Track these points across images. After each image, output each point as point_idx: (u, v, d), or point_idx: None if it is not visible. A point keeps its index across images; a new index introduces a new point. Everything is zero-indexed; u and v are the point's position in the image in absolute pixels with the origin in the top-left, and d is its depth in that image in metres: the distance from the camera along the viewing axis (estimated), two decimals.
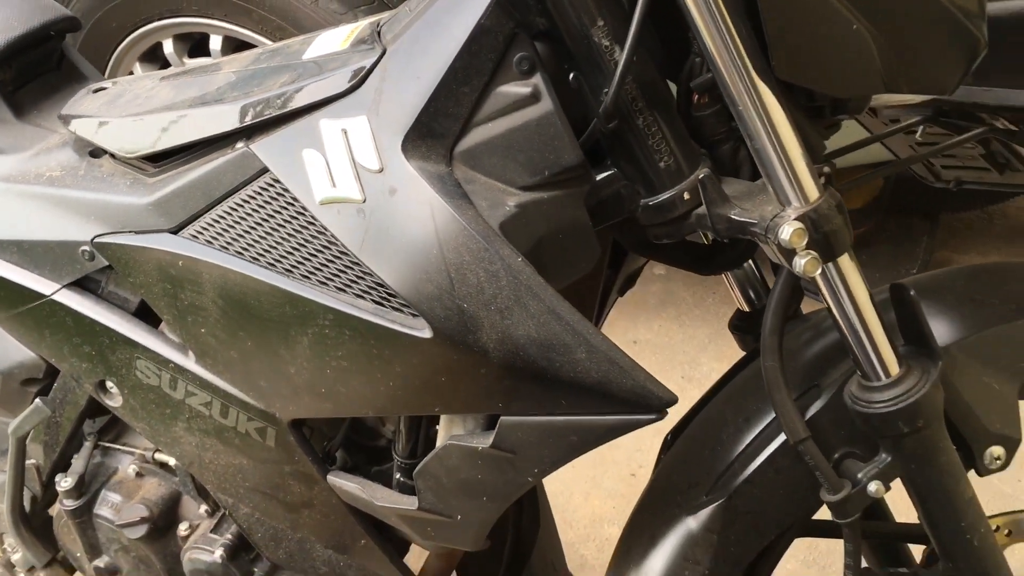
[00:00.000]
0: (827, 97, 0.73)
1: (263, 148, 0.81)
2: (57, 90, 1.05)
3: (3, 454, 1.22)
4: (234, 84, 0.86)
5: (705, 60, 0.69)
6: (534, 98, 0.72)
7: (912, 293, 0.76)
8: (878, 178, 1.82)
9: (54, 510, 1.18)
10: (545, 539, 1.28)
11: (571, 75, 0.73)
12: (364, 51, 0.78)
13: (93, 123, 0.93)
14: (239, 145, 0.83)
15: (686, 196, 0.75)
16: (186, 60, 1.80)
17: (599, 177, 0.77)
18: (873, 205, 2.00)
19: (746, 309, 1.00)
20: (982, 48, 0.73)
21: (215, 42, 1.74)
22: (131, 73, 1.88)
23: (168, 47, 1.79)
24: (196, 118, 0.86)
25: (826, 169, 0.74)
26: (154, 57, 1.86)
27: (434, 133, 0.74)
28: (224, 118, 0.84)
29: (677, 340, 2.07)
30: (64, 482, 1.07)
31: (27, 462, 1.11)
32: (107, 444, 1.12)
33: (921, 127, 0.91)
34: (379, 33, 0.81)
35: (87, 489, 1.09)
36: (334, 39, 0.84)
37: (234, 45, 1.75)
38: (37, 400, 1.04)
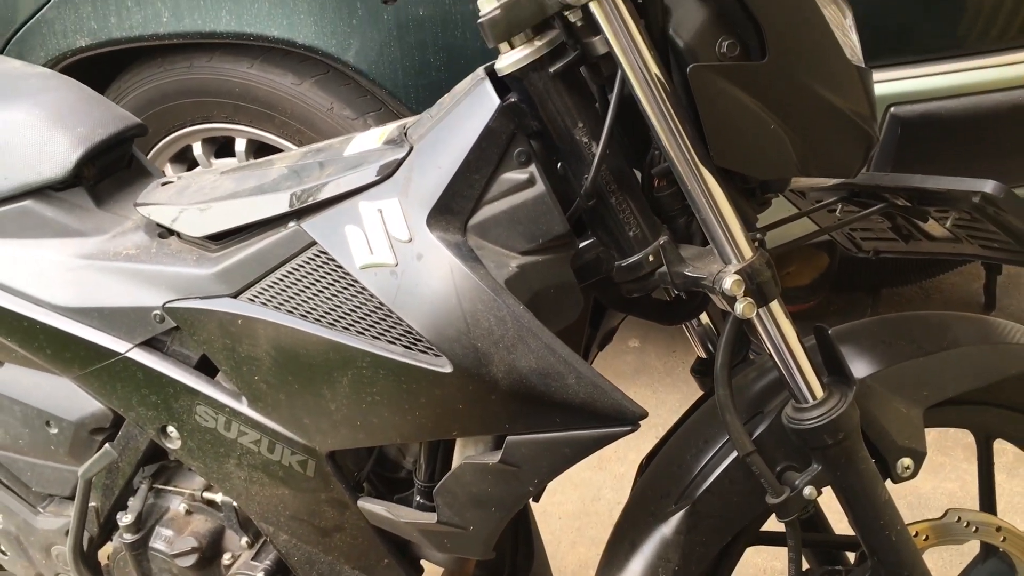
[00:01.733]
0: (756, 180, 0.91)
1: (311, 226, 0.98)
2: (129, 184, 1.22)
3: (61, 501, 1.35)
4: (286, 176, 1.04)
5: (661, 152, 0.87)
6: (530, 183, 0.90)
7: (830, 332, 0.93)
8: (818, 257, 2.02)
9: (106, 550, 1.31)
10: (539, 573, 1.41)
11: (558, 164, 0.91)
12: (395, 148, 0.96)
13: (164, 209, 1.10)
14: (291, 224, 1.00)
15: (651, 258, 0.92)
16: (213, 161, 1.98)
17: (582, 244, 0.94)
18: (820, 281, 2.19)
19: (703, 356, 1.17)
20: (875, 142, 0.92)
21: (240, 144, 1.92)
22: (163, 173, 2.06)
23: (197, 149, 1.98)
24: (254, 204, 1.03)
25: (759, 236, 0.92)
26: (183, 158, 2.05)
27: (452, 211, 0.91)
28: (278, 203, 1.01)
29: (651, 405, 2.21)
30: (124, 519, 1.20)
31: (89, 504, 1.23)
32: (160, 487, 1.25)
33: (839, 205, 1.10)
34: (406, 134, 0.99)
35: (143, 526, 1.22)
36: (369, 139, 1.02)
37: (256, 147, 1.94)
38: (106, 446, 1.17)
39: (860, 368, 0.99)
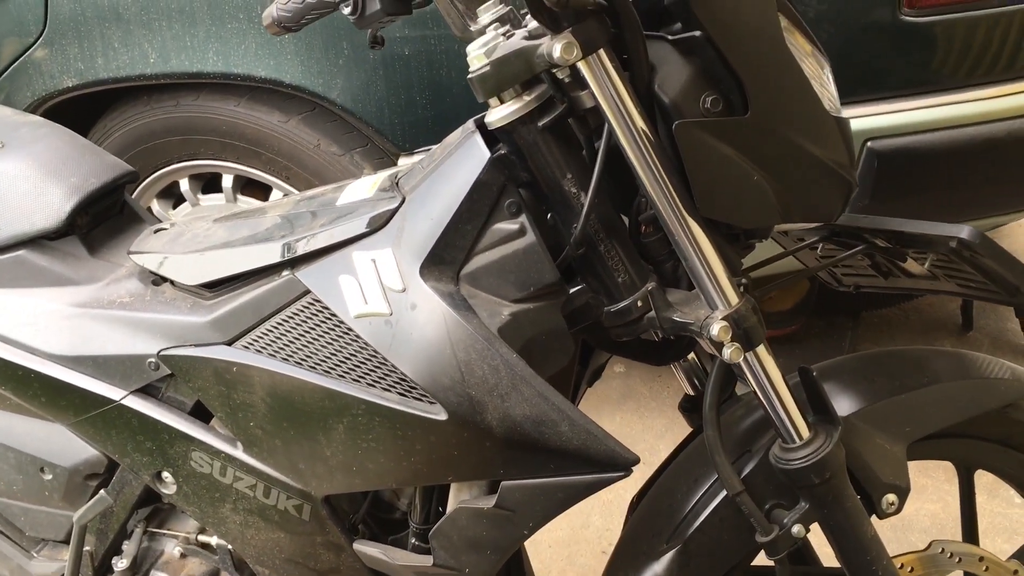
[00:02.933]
0: (740, 227, 0.94)
1: (306, 275, 1.00)
2: (122, 231, 1.23)
3: (55, 545, 1.35)
4: (279, 225, 1.05)
5: (648, 201, 0.90)
6: (521, 233, 0.92)
7: (814, 373, 0.95)
8: (799, 282, 2.06)
9: None
10: None
11: (548, 215, 0.93)
12: (387, 198, 0.98)
13: (158, 258, 1.11)
14: (285, 273, 1.01)
15: (639, 304, 0.94)
16: (200, 196, 1.99)
17: (572, 290, 0.96)
18: (801, 306, 2.23)
19: (691, 393, 1.19)
20: (854, 188, 0.95)
21: (227, 180, 1.94)
22: (149, 208, 2.07)
23: (184, 185, 1.99)
24: (248, 253, 1.04)
25: (743, 280, 0.94)
26: (170, 194, 2.05)
27: (445, 261, 0.93)
28: (272, 253, 1.02)
29: (637, 430, 2.25)
30: (120, 563, 1.20)
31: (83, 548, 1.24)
32: (154, 530, 1.26)
33: (820, 244, 1.12)
34: (398, 183, 1.01)
35: (138, 569, 1.22)
36: (361, 188, 1.03)
37: (243, 183, 1.95)
38: (101, 491, 1.18)
39: (844, 405, 1.02)
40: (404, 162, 1.73)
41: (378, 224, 0.97)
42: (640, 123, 0.85)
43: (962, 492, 1.17)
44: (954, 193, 1.53)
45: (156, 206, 2.06)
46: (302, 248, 1.00)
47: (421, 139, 1.69)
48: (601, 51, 0.82)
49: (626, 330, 0.97)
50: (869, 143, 1.47)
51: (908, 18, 1.39)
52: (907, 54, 1.43)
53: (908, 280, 1.13)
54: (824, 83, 0.91)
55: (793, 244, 1.20)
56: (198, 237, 1.11)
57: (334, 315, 0.97)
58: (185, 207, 2.02)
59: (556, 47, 0.79)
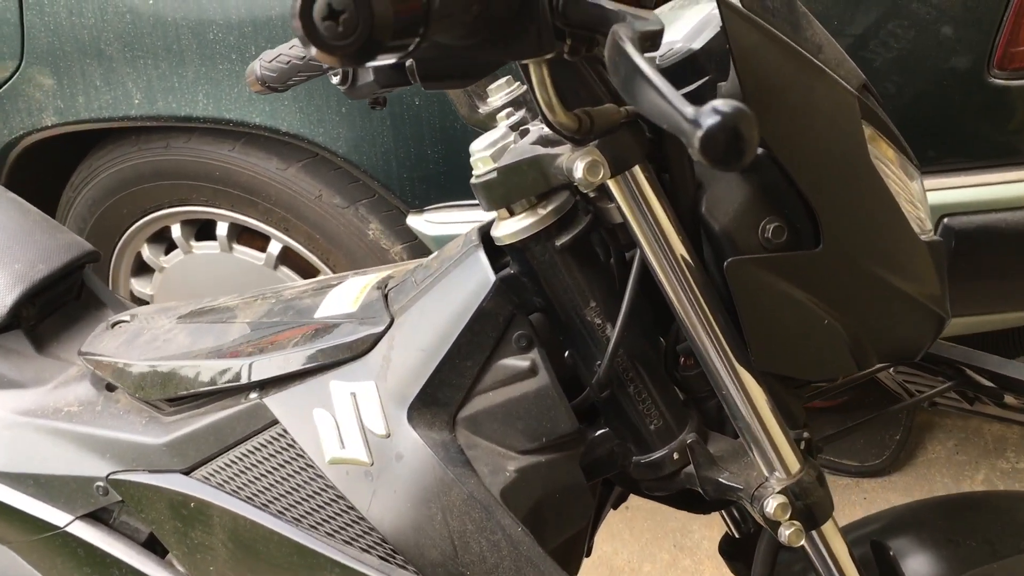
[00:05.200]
0: None
1: (275, 402, 0.85)
2: (77, 320, 1.10)
3: None
4: (248, 338, 0.91)
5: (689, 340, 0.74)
6: (532, 372, 0.77)
7: (892, 553, 0.79)
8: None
9: None
10: None
11: (566, 353, 0.78)
12: (373, 319, 0.83)
13: (112, 364, 0.98)
14: (252, 396, 0.87)
15: (675, 456, 0.79)
16: (193, 243, 1.86)
17: (592, 435, 0.81)
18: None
19: (735, 535, 1.03)
20: (946, 323, 0.78)
21: (221, 228, 1.80)
22: (138, 253, 1.95)
23: (176, 231, 1.86)
24: (211, 368, 0.90)
25: (805, 435, 0.78)
26: (161, 238, 1.93)
27: (438, 402, 0.78)
28: (238, 372, 0.88)
29: (668, 508, 2.08)
30: None
31: None
32: None
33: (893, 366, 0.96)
34: (387, 296, 0.86)
35: None
36: (344, 298, 0.89)
37: (240, 230, 1.82)
38: None
39: (922, 574, 0.85)
40: (413, 221, 1.58)
41: (360, 350, 0.82)
42: (681, 251, 0.70)
43: None
44: None
45: (147, 251, 1.93)
46: (272, 369, 0.86)
47: (432, 196, 1.54)
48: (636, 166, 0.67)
49: (659, 485, 0.82)
50: (946, 219, 1.31)
51: (997, 80, 1.23)
52: (993, 121, 1.26)
53: (997, 409, 0.96)
54: (913, 199, 0.75)
55: None
56: (157, 340, 0.98)
57: (305, 454, 0.83)
58: (177, 254, 1.89)
59: (579, 165, 0.64)
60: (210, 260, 1.87)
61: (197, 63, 1.54)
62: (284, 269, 1.81)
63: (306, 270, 1.81)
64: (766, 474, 0.74)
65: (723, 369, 0.72)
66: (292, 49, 1.02)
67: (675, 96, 0.36)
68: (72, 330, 1.08)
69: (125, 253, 1.95)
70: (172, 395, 0.93)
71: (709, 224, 0.69)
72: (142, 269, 2.00)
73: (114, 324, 1.05)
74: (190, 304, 1.04)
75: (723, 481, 0.77)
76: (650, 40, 0.46)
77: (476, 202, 1.53)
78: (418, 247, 1.65)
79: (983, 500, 0.95)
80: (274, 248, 1.79)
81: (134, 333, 1.01)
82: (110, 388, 1.01)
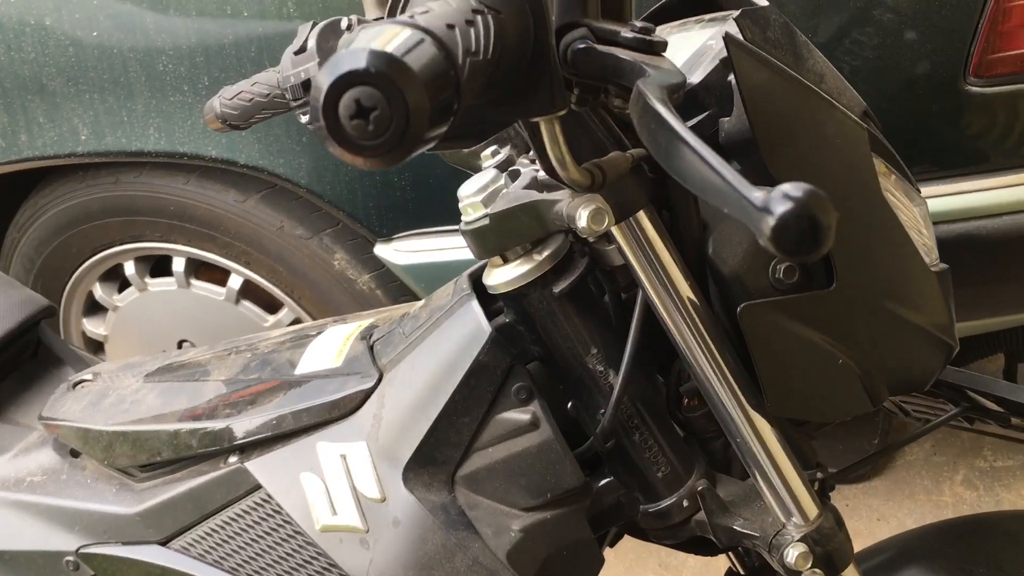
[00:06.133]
0: None
1: (257, 466, 0.81)
2: (35, 380, 1.04)
3: None
4: (225, 397, 0.86)
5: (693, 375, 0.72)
6: (533, 425, 0.73)
7: None
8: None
9: None
10: None
11: (569, 404, 0.75)
12: (359, 374, 0.79)
13: (76, 429, 0.92)
14: (232, 460, 0.83)
15: (685, 503, 0.76)
16: (148, 280, 1.80)
17: (598, 485, 0.78)
18: None
19: (740, 573, 1.00)
20: (954, 351, 0.77)
21: (178, 264, 1.74)
22: (90, 292, 1.87)
23: (130, 268, 1.79)
24: (186, 432, 0.85)
25: (819, 475, 0.76)
26: (114, 276, 1.86)
27: (435, 461, 0.74)
28: (216, 436, 0.83)
29: None
30: None
31: None
32: None
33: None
34: (372, 348, 0.82)
35: None
36: (326, 351, 0.85)
37: (197, 266, 1.76)
38: None
39: None
40: (381, 250, 1.54)
41: (348, 408, 0.78)
42: (688, 294, 0.67)
43: None
44: (1022, 283, 1.36)
45: (99, 290, 1.86)
46: (253, 431, 0.81)
47: (400, 224, 1.50)
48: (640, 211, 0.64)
49: (668, 533, 0.79)
50: None
51: (974, 88, 1.22)
52: (970, 128, 1.25)
53: (1000, 428, 0.95)
54: (919, 226, 0.73)
55: None
56: (124, 402, 0.92)
57: (292, 521, 0.79)
58: (132, 292, 1.82)
59: (582, 214, 0.61)
60: (167, 297, 1.80)
61: (147, 95, 1.48)
62: (246, 303, 1.75)
63: (269, 303, 1.75)
64: (783, 520, 0.72)
65: (735, 414, 0.69)
66: (255, 86, 0.97)
67: (737, 178, 0.33)
68: (30, 392, 1.02)
69: (76, 293, 1.88)
70: (144, 461, 0.88)
71: (717, 267, 0.67)
72: (94, 308, 1.93)
73: (75, 384, 0.99)
74: (156, 360, 0.99)
75: (738, 529, 0.74)
76: (676, 94, 0.43)
77: (446, 228, 1.51)
78: (387, 274, 1.60)
79: (990, 522, 0.94)
80: (235, 282, 1.73)
81: (98, 394, 0.96)
82: (75, 454, 0.96)
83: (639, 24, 0.48)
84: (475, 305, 0.74)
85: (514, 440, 0.74)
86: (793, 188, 0.31)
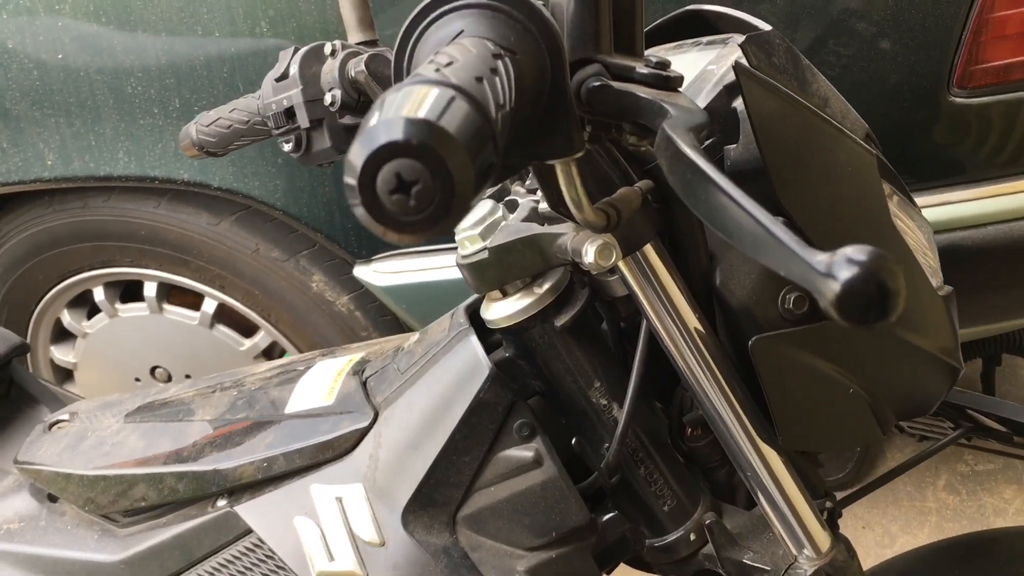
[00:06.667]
0: None
1: (248, 510, 0.78)
2: (8, 422, 1.00)
3: None
4: (212, 438, 0.83)
5: (696, 401, 0.70)
6: (536, 463, 0.72)
7: None
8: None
9: None
10: None
11: (573, 440, 0.73)
12: (353, 413, 0.77)
13: (55, 474, 0.88)
14: (221, 503, 0.80)
15: (692, 537, 0.75)
16: (119, 306, 1.75)
17: (602, 520, 0.76)
18: None
19: None
20: (959, 373, 0.76)
21: (149, 289, 1.70)
22: (58, 319, 1.82)
23: (99, 295, 1.74)
24: (172, 475, 0.82)
25: (828, 504, 0.75)
26: (83, 302, 1.81)
27: (436, 503, 0.72)
28: (204, 479, 0.80)
29: None
30: None
31: None
32: None
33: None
34: (365, 385, 0.80)
35: None
36: (317, 388, 0.82)
37: (169, 290, 1.72)
38: None
39: None
40: (360, 272, 1.51)
41: (343, 449, 0.76)
42: (695, 324, 0.65)
43: None
44: (1010, 291, 1.36)
45: (67, 317, 1.81)
46: (242, 474, 0.78)
47: (379, 244, 1.47)
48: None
49: (675, 568, 0.77)
50: None
51: (957, 99, 1.22)
52: (954, 139, 1.25)
53: (1000, 445, 0.94)
54: (926, 252, 0.72)
55: None
56: (105, 444, 0.89)
57: (287, 569, 0.76)
58: (101, 318, 1.78)
59: (588, 249, 0.59)
60: (138, 323, 1.76)
61: (115, 119, 1.44)
62: (221, 327, 1.72)
63: (245, 327, 1.72)
64: (795, 553, 0.70)
65: (745, 445, 0.67)
66: (233, 112, 0.95)
67: (793, 239, 0.31)
68: (4, 434, 0.98)
69: (43, 320, 1.83)
70: (128, 506, 0.85)
71: (725, 298, 0.65)
72: (63, 336, 1.88)
73: (52, 425, 0.96)
74: (135, 398, 0.96)
75: (748, 562, 0.73)
76: (701, 134, 0.41)
77: (426, 248, 1.48)
78: (366, 296, 1.58)
79: (994, 540, 0.93)
80: (209, 306, 1.70)
81: (77, 436, 0.92)
82: (53, 499, 0.92)
83: (654, 58, 0.46)
84: (474, 340, 0.72)
85: (517, 478, 0.72)
86: (857, 251, 0.29)
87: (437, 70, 0.32)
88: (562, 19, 0.46)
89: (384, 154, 0.28)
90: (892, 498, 2.10)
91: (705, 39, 0.72)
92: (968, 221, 1.30)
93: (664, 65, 0.46)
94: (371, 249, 1.49)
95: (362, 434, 0.75)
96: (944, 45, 1.20)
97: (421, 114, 0.28)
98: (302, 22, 1.31)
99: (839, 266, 0.29)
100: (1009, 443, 0.87)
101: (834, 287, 0.29)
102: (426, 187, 0.28)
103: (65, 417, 0.97)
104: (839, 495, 0.80)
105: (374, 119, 0.29)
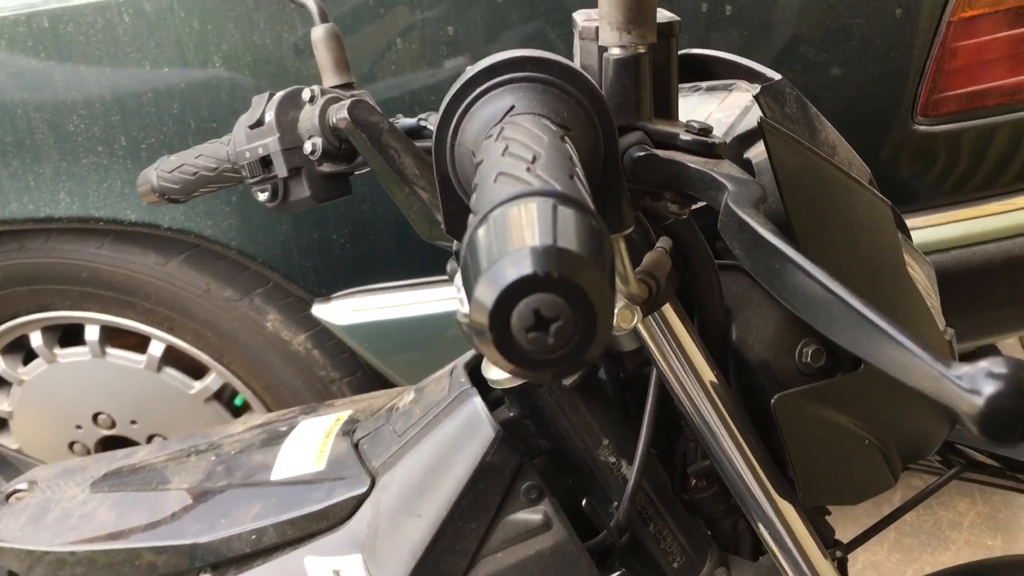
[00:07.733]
0: None
1: None
2: None
3: None
4: (191, 510, 0.79)
5: (701, 447, 0.69)
6: (545, 526, 0.69)
7: None
8: None
9: None
10: None
11: (584, 501, 0.71)
12: (348, 479, 0.74)
13: (17, 552, 0.83)
14: None
15: None
16: (57, 350, 1.68)
17: None
18: None
19: None
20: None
21: (91, 332, 1.63)
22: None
23: (36, 340, 1.67)
24: (150, 551, 0.78)
25: (838, 553, 0.74)
26: (19, 347, 1.73)
27: (440, 572, 0.69)
28: (185, 553, 0.76)
29: None
30: None
31: None
32: None
33: None
34: (357, 448, 0.76)
35: None
36: (304, 452, 0.79)
37: (111, 333, 1.65)
38: None
39: None
40: (320, 311, 1.47)
41: (338, 518, 0.72)
42: (711, 378, 0.64)
43: None
44: (974, 313, 1.38)
45: (1, 363, 1.73)
46: (228, 547, 0.75)
47: (339, 282, 1.44)
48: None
49: None
50: None
51: (921, 127, 1.24)
52: (919, 166, 1.27)
53: (1001, 479, 0.95)
54: (931, 294, 0.72)
55: None
56: (71, 518, 0.84)
57: None
58: (39, 364, 1.70)
59: None
60: (80, 368, 1.68)
61: (56, 159, 1.38)
62: (169, 371, 1.65)
63: (196, 369, 1.66)
64: None
65: (762, 499, 0.66)
66: (199, 159, 0.91)
67: (927, 353, 0.29)
68: None
69: None
70: None
71: (742, 354, 0.64)
72: None
73: (9, 495, 0.90)
74: (100, 463, 0.91)
75: None
76: (762, 207, 0.39)
77: (388, 285, 1.44)
78: (324, 333, 1.53)
79: (988, 570, 0.94)
80: (156, 349, 1.63)
81: (39, 508, 0.87)
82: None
83: (696, 124, 0.45)
84: (478, 402, 0.69)
85: (526, 543, 0.70)
86: (996, 364, 0.28)
87: (528, 169, 0.29)
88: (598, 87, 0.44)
89: (519, 291, 0.24)
90: (851, 515, 2.12)
91: (704, 84, 0.71)
92: (934, 246, 1.32)
93: (707, 131, 0.45)
94: (330, 287, 1.45)
95: (359, 501, 0.72)
96: (907, 75, 1.21)
97: (549, 240, 0.25)
98: (258, 56, 1.27)
99: (980, 380, 0.28)
100: (1002, 476, 0.88)
101: (977, 402, 0.28)
102: (566, 325, 0.25)
103: (23, 486, 0.91)
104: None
105: (491, 242, 0.25)
